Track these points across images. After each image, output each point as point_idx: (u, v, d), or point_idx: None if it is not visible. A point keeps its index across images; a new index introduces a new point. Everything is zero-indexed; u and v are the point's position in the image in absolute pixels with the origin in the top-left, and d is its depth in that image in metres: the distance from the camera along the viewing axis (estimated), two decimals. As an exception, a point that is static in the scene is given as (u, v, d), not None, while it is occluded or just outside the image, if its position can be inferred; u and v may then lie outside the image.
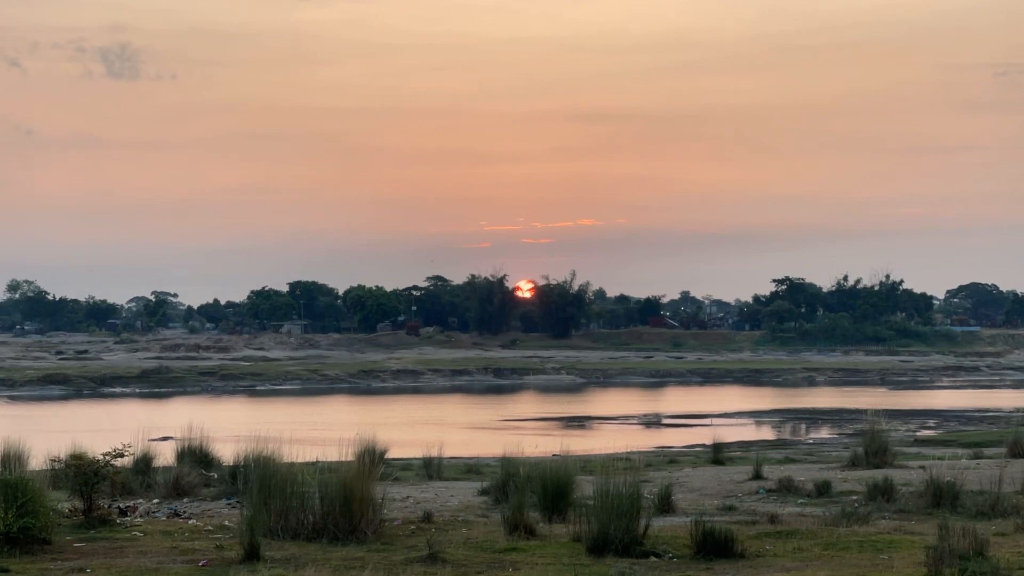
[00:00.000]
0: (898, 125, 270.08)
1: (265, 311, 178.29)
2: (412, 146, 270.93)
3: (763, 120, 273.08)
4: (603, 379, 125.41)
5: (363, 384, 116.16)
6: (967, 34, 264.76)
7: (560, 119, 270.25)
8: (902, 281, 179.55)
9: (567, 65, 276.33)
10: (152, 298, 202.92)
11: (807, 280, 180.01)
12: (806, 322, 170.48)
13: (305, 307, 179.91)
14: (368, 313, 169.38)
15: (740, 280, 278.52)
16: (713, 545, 13.77)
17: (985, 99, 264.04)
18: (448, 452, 30.69)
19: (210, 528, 16.23)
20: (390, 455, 27.25)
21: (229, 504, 19.18)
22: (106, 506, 16.92)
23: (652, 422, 67.85)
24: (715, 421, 65.83)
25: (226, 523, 16.56)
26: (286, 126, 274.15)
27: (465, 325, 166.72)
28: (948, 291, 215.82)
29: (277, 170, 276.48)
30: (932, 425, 59.66)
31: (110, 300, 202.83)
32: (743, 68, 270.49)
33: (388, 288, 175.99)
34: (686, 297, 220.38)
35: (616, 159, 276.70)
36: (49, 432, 43.39)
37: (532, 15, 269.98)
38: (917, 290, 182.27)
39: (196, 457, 23.70)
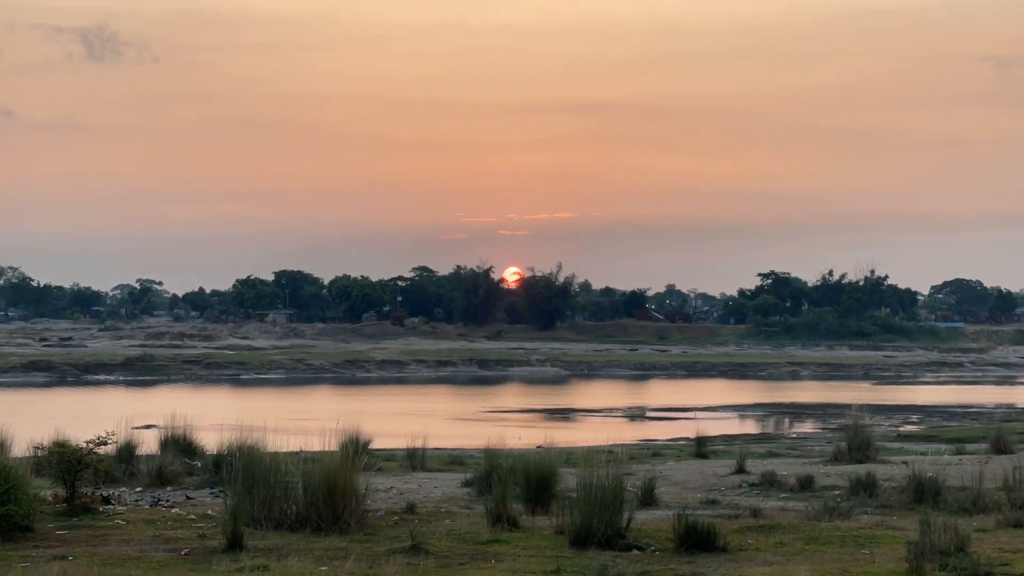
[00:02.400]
0: (888, 119, 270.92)
1: (250, 300, 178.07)
2: (396, 135, 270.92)
3: (750, 112, 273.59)
4: (588, 371, 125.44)
5: (348, 374, 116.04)
6: (965, 25, 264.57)
7: (543, 110, 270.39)
8: (887, 276, 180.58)
9: (551, 55, 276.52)
10: (137, 286, 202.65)
11: (792, 274, 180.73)
12: (791, 316, 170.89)
13: (290, 296, 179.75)
14: (353, 303, 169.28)
15: (725, 274, 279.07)
16: (695, 539, 13.79)
17: (980, 92, 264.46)
18: (432, 443, 30.65)
19: (193, 517, 16.21)
20: (374, 445, 27.25)
21: (212, 493, 19.15)
22: (89, 494, 16.87)
23: (636, 415, 67.90)
24: (699, 415, 65.86)
25: (209, 512, 16.54)
26: (270, 113, 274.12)
27: (450, 316, 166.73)
28: (932, 287, 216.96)
29: (262, 157, 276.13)
30: (915, 420, 59.82)
31: (95, 287, 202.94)
32: (731, 59, 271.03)
33: (374, 278, 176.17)
34: (671, 290, 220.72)
35: (598, 151, 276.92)
36: (32, 419, 43.27)
37: (516, 4, 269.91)
38: (902, 285, 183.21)
39: (180, 446, 23.63)
